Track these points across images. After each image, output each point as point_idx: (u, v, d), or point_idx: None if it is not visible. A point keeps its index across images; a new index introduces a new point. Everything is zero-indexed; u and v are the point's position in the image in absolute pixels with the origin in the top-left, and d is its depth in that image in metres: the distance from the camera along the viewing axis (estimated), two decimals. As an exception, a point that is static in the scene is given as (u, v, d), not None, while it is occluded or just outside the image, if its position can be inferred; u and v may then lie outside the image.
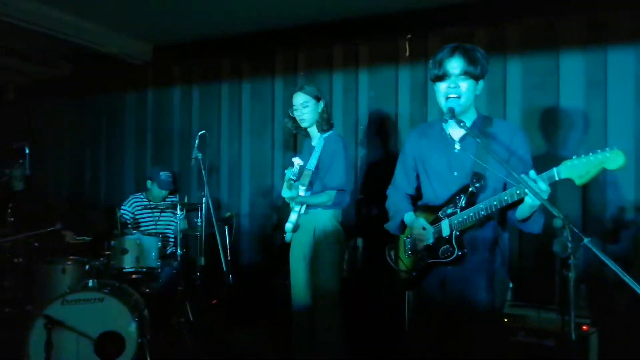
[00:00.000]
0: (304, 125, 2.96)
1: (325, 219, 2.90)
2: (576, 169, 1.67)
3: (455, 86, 1.97)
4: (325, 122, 2.94)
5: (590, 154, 1.65)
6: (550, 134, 3.22)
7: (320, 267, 2.87)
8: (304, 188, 2.89)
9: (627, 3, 3.00)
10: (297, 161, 2.97)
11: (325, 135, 2.96)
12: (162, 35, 4.42)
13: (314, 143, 3.00)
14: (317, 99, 2.94)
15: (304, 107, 2.92)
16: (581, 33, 3.16)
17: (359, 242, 3.73)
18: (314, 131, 2.99)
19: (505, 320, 2.76)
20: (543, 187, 1.71)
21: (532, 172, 1.73)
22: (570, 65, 3.18)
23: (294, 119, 3.00)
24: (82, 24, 4.05)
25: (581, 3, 3.14)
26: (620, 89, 3.04)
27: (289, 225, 2.91)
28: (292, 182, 2.84)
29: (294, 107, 2.96)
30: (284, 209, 3.00)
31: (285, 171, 2.92)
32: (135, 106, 4.86)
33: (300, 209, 2.90)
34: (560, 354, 2.48)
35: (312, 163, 2.92)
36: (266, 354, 3.46)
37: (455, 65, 1.96)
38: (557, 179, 1.71)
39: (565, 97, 3.19)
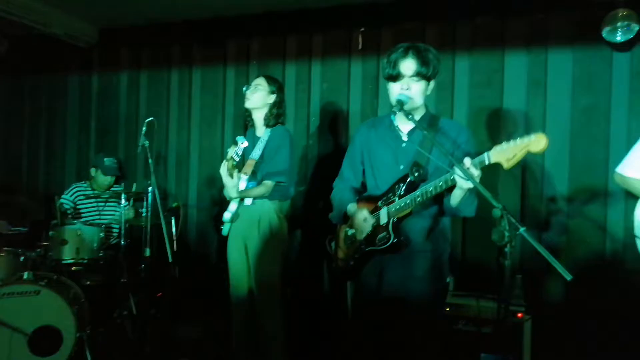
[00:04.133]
0: (246, 105, 2.95)
1: (271, 210, 2.89)
2: (504, 152, 1.75)
3: (408, 87, 2.03)
4: (273, 117, 2.93)
5: (517, 138, 1.74)
6: (494, 130, 3.34)
7: (264, 259, 2.85)
8: (247, 177, 2.85)
9: (565, 5, 3.15)
10: (241, 142, 2.92)
11: (273, 128, 2.94)
12: (110, 17, 4.23)
13: (258, 134, 2.99)
14: (272, 91, 2.93)
15: (255, 89, 2.92)
16: (525, 33, 3.29)
17: (302, 233, 3.73)
18: (259, 121, 2.97)
19: (447, 309, 2.86)
20: (475, 172, 1.78)
21: (466, 159, 1.80)
22: (514, 64, 3.30)
23: None
24: (25, 0, 3.81)
25: (526, 4, 3.26)
26: (559, 88, 3.19)
27: (227, 215, 2.86)
28: (234, 162, 2.77)
29: (249, 85, 2.96)
30: (228, 201, 2.94)
31: (228, 149, 2.84)
32: (79, 90, 4.63)
33: (243, 199, 2.87)
34: (497, 341, 2.59)
35: (256, 153, 2.89)
36: (211, 347, 3.42)
37: (408, 66, 2.02)
38: (487, 163, 1.79)
39: (508, 95, 3.31)
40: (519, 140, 1.73)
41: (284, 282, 2.92)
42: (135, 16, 4.14)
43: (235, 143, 2.90)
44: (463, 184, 1.82)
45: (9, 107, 4.86)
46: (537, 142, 1.70)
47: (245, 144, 2.88)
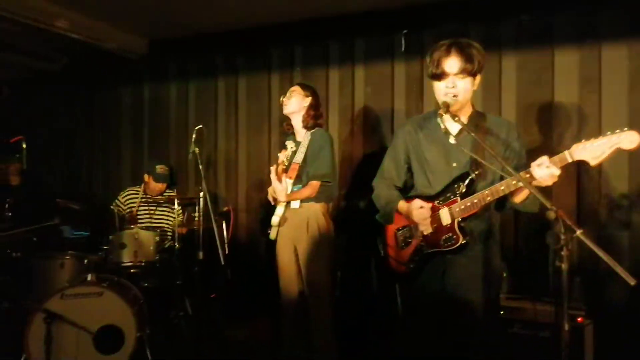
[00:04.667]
0: (284, 111, 3.05)
1: (319, 212, 2.93)
2: (589, 150, 1.70)
3: (453, 85, 1.99)
4: (310, 119, 3.01)
5: (602, 135, 1.68)
6: (546, 128, 3.25)
7: (315, 261, 2.89)
8: (292, 181, 2.92)
9: (619, 2, 3.04)
10: (290, 144, 3.01)
11: (312, 131, 3.01)
12: (158, 30, 4.41)
13: (299, 138, 3.05)
14: (306, 95, 3.01)
15: (291, 95, 3.02)
16: (575, 29, 3.19)
17: (348, 234, 3.75)
18: (298, 126, 3.04)
19: (502, 312, 2.80)
20: (556, 172, 1.75)
21: (544, 158, 1.77)
22: (564, 61, 3.21)
23: None
24: (78, 18, 4.04)
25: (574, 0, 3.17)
26: (614, 84, 3.08)
27: (275, 219, 2.93)
28: (284, 166, 2.85)
29: (286, 94, 3.05)
30: (273, 205, 3.01)
31: (279, 154, 2.95)
32: (132, 100, 4.85)
33: (290, 202, 2.92)
34: (555, 346, 2.52)
35: (299, 157, 2.96)
36: (264, 348, 3.48)
37: (452, 64, 1.98)
38: (569, 160, 1.75)
39: (560, 93, 3.21)
40: (606, 137, 1.68)
41: (333, 282, 2.95)
42: (182, 28, 4.29)
43: (285, 147, 2.99)
44: (542, 182, 1.78)
45: (68, 119, 5.14)
46: (629, 139, 1.64)
47: (293, 146, 2.97)
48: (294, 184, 2.94)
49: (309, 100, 3.01)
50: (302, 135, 3.03)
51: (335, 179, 3.02)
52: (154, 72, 4.73)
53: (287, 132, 3.15)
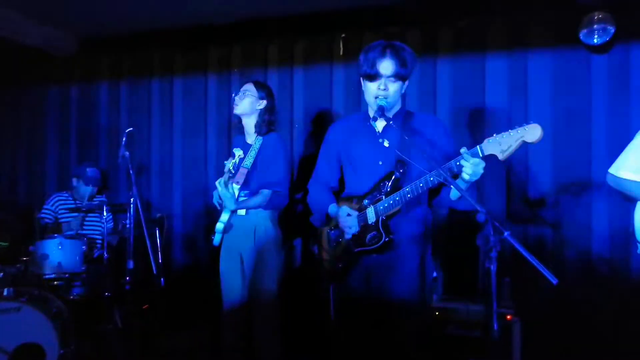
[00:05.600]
0: (235, 111, 2.91)
1: (267, 219, 2.85)
2: (499, 144, 1.75)
3: (385, 87, 2.03)
4: (264, 124, 2.88)
5: (510, 129, 1.74)
6: (477, 133, 3.36)
7: (263, 270, 2.82)
8: (238, 187, 2.83)
9: (544, 9, 3.19)
10: (238, 152, 2.90)
11: (266, 135, 2.89)
12: (89, 27, 4.17)
13: (249, 141, 2.95)
14: (261, 97, 2.89)
15: (244, 95, 2.88)
16: (506, 37, 3.32)
17: (294, 240, 3.72)
18: (250, 128, 2.93)
19: (437, 313, 2.86)
20: (480, 162, 1.79)
21: (463, 149, 1.80)
22: (495, 67, 3.33)
23: None
24: (1, 11, 3.75)
25: (505, 7, 3.29)
26: (539, 90, 3.23)
27: (220, 225, 2.82)
28: (230, 174, 2.76)
29: (239, 92, 2.91)
30: (218, 210, 2.91)
31: (225, 162, 2.83)
32: (59, 101, 4.56)
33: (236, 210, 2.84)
34: (486, 344, 2.59)
35: (248, 161, 2.86)
36: (199, 357, 3.37)
37: (386, 66, 2.02)
38: (480, 155, 1.79)
39: (490, 99, 3.33)
40: (513, 131, 1.73)
41: (280, 290, 2.89)
42: (115, 25, 4.08)
43: (232, 155, 2.88)
44: (468, 177, 1.81)
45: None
46: (532, 132, 1.70)
47: (241, 153, 2.86)
48: (241, 189, 2.83)
49: (263, 103, 2.88)
50: (253, 137, 2.91)
51: (287, 187, 2.91)
52: (84, 71, 4.47)
53: (238, 129, 3.01)
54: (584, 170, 3.12)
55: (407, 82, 2.10)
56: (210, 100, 4.05)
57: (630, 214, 2.38)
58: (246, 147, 2.92)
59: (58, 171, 4.52)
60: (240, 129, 2.98)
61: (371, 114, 2.10)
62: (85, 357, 3.09)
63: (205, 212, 3.97)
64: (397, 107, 2.16)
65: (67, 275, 3.22)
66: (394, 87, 2.04)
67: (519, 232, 3.14)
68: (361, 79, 2.12)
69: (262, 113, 2.89)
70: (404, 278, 2.06)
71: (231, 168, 2.79)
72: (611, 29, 2.99)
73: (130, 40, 4.23)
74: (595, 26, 3.00)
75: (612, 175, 2.40)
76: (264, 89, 2.92)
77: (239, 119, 2.95)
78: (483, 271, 1.59)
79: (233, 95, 2.94)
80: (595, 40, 3.02)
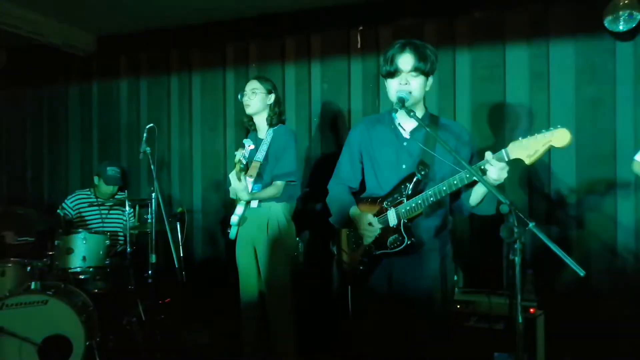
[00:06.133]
0: (248, 111, 2.94)
1: (279, 212, 2.88)
2: (525, 148, 1.70)
3: (407, 82, 2.00)
4: (275, 116, 2.94)
5: (537, 133, 1.69)
6: (498, 125, 3.31)
7: (274, 261, 2.84)
8: (252, 180, 2.85)
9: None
10: (248, 145, 2.92)
11: (275, 127, 2.94)
12: (107, 25, 4.22)
13: (261, 135, 2.98)
14: (269, 91, 2.94)
15: (253, 94, 2.91)
16: (525, 26, 3.26)
17: (308, 234, 3.72)
18: (262, 123, 2.97)
19: (458, 306, 2.84)
20: (504, 166, 1.75)
21: (487, 153, 1.77)
22: (515, 57, 3.27)
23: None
24: (20, 11, 3.81)
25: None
26: (562, 80, 3.16)
27: (234, 219, 2.85)
28: (242, 165, 2.78)
29: (244, 92, 2.93)
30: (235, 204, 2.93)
31: (236, 153, 2.83)
32: (80, 99, 4.63)
33: (250, 202, 2.85)
34: (509, 337, 2.57)
35: (260, 154, 2.89)
36: (224, 351, 3.40)
37: (406, 61, 1.99)
38: (506, 159, 1.75)
39: (511, 89, 3.28)
40: (540, 136, 1.68)
41: (293, 283, 2.90)
42: (133, 23, 4.13)
43: (242, 146, 2.91)
44: (492, 180, 1.77)
45: (12, 119, 4.87)
46: (560, 137, 1.65)
47: (252, 146, 2.89)
48: (255, 182, 2.87)
49: (272, 97, 2.93)
50: (265, 131, 2.95)
51: (299, 178, 2.96)
52: (103, 69, 4.53)
53: (249, 129, 3.07)
54: (609, 161, 3.05)
55: (430, 79, 2.06)
56: (228, 95, 4.07)
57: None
58: (258, 142, 2.95)
59: (80, 167, 4.60)
60: (251, 126, 3.03)
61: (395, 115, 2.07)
62: (110, 348, 3.15)
63: (224, 206, 4.01)
64: (422, 110, 2.11)
65: (91, 269, 3.27)
66: (416, 81, 2.00)
67: (541, 226, 3.08)
68: (384, 80, 2.08)
69: (273, 106, 2.94)
70: (425, 280, 2.04)
71: (242, 159, 2.80)
72: (638, 15, 2.91)
73: (148, 38, 4.28)
74: (620, 12, 2.92)
75: (638, 162, 2.38)
76: (269, 83, 2.97)
77: (249, 117, 2.99)
78: (507, 263, 1.56)
79: (239, 97, 2.95)
80: (620, 27, 2.95)
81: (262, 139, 2.94)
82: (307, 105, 3.82)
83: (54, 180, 4.70)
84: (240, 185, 2.75)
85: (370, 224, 2.05)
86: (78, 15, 3.99)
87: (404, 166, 2.07)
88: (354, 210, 2.15)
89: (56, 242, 3.28)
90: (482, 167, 1.79)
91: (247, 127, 3.09)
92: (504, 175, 1.77)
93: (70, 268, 3.24)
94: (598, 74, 3.09)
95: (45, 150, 4.75)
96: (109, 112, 4.51)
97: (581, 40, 3.13)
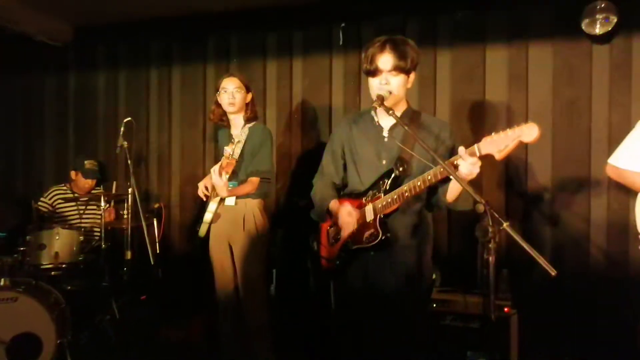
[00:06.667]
0: (231, 109, 2.90)
1: (255, 208, 2.88)
2: (495, 143, 1.72)
3: (387, 82, 1.99)
4: (252, 114, 2.93)
5: (508, 129, 1.71)
6: (477, 124, 3.33)
7: (250, 258, 2.84)
8: (227, 177, 2.82)
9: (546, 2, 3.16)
10: (238, 138, 2.89)
11: (250, 124, 2.93)
12: (85, 15, 4.11)
13: (235, 133, 2.96)
14: (247, 88, 2.92)
15: (237, 92, 2.87)
16: (505, 28, 3.28)
17: (284, 230, 3.69)
18: (238, 120, 2.95)
19: (434, 305, 2.86)
20: (476, 162, 1.76)
21: (461, 148, 1.78)
22: (495, 58, 3.29)
23: (218, 105, 2.92)
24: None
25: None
26: (540, 81, 3.20)
27: (208, 215, 2.85)
28: (227, 161, 2.76)
29: (225, 90, 2.87)
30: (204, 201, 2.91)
31: (225, 148, 2.83)
32: (56, 91, 4.52)
33: (224, 199, 2.85)
34: (484, 336, 2.59)
35: (235, 152, 2.87)
36: (200, 348, 3.37)
37: (385, 61, 1.98)
38: (478, 154, 1.76)
39: (490, 89, 3.30)
40: (510, 131, 1.70)
41: (267, 279, 2.91)
42: (112, 13, 4.03)
43: (232, 141, 2.88)
44: (464, 175, 1.77)
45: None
46: (528, 132, 1.68)
47: (241, 142, 2.86)
48: (229, 179, 2.84)
49: (250, 96, 2.94)
50: (239, 129, 2.93)
51: (274, 175, 2.97)
52: (81, 60, 4.43)
53: (222, 125, 3.03)
54: (583, 162, 3.10)
55: (412, 76, 2.05)
56: (208, 90, 4.01)
57: (629, 205, 2.37)
58: (232, 139, 2.92)
59: (56, 160, 4.49)
60: (226, 124, 2.99)
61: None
62: (82, 347, 3.09)
63: (202, 202, 3.95)
64: (403, 106, 2.12)
65: (64, 266, 3.21)
66: (396, 80, 2.00)
67: (517, 225, 3.12)
68: (366, 77, 2.08)
69: (251, 105, 2.93)
70: (401, 275, 2.05)
71: (231, 153, 2.79)
72: (613, 19, 2.95)
73: (127, 29, 4.18)
74: (597, 16, 2.96)
75: (612, 165, 2.38)
76: (245, 79, 2.94)
77: (223, 114, 2.95)
78: (481, 263, 1.57)
79: (217, 93, 2.91)
80: (597, 31, 2.98)
81: (237, 136, 2.92)
82: (288, 101, 3.80)
83: (27, 173, 4.58)
84: (221, 182, 2.73)
85: (349, 213, 2.06)
86: (55, 3, 3.88)
87: (384, 162, 2.08)
88: (333, 203, 2.17)
89: (27, 238, 3.20)
90: (455, 163, 1.80)
91: (216, 123, 3.03)
92: (476, 170, 1.78)
93: (43, 264, 3.17)
94: (575, 76, 3.13)
95: (19, 142, 4.62)
96: (85, 104, 4.41)
97: (559, 42, 3.16)
